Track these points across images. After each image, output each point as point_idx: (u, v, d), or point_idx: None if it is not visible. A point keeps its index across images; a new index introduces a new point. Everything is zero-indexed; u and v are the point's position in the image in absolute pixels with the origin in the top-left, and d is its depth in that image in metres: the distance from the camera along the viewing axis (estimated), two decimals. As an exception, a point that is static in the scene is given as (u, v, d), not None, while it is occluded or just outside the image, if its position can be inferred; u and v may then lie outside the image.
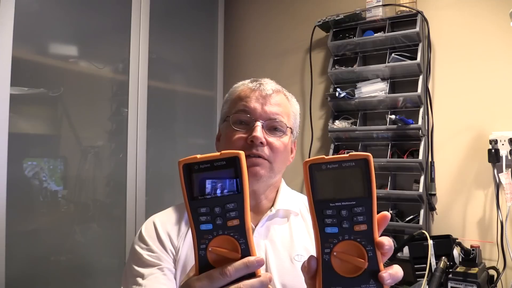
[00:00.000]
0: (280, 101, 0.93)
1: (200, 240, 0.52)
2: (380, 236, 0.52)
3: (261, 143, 0.87)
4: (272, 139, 0.90)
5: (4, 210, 1.42)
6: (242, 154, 0.51)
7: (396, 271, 0.51)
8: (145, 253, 0.86)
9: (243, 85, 0.97)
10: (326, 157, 0.51)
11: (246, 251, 0.51)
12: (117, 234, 1.86)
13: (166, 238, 0.88)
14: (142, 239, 0.89)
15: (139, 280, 0.82)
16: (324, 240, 0.51)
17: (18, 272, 1.50)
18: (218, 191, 0.51)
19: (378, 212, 0.52)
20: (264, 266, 0.86)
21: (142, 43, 1.94)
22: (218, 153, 0.51)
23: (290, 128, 0.94)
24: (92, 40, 1.83)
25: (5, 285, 1.42)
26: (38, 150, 1.66)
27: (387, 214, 0.53)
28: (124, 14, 1.89)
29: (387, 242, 0.51)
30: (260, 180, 0.89)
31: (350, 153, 0.51)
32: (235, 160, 0.51)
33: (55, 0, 1.70)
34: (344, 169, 0.50)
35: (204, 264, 0.52)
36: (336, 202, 0.51)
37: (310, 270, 0.52)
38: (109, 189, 1.90)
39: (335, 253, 0.51)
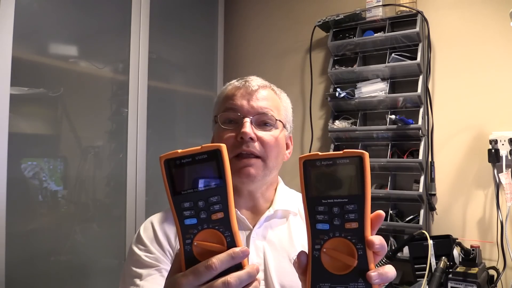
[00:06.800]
0: (268, 96, 0.92)
1: (185, 235, 0.51)
2: (375, 235, 0.51)
3: (251, 138, 0.86)
4: (262, 133, 0.88)
5: (4, 210, 1.42)
6: (223, 146, 0.51)
7: (386, 271, 0.50)
8: (143, 254, 0.86)
9: (229, 85, 0.96)
10: (320, 153, 0.51)
11: (232, 243, 0.51)
12: (117, 234, 1.86)
13: (164, 239, 0.88)
14: (140, 240, 0.89)
15: (137, 281, 0.82)
16: (314, 236, 0.51)
17: (18, 272, 1.50)
18: (201, 185, 0.51)
19: (373, 211, 0.51)
20: (262, 267, 0.86)
21: (142, 43, 1.94)
22: (199, 147, 0.51)
23: (281, 121, 0.92)
24: (92, 40, 1.83)
25: (5, 285, 1.42)
26: (38, 150, 1.66)
27: (381, 213, 0.51)
28: (124, 14, 1.89)
29: (378, 241, 0.49)
30: (254, 181, 0.88)
31: (345, 150, 0.50)
32: (216, 153, 0.50)
33: (55, 0, 1.70)
34: (338, 166, 0.50)
35: (190, 259, 0.51)
36: (329, 199, 0.50)
37: (300, 265, 0.52)
38: (109, 189, 1.90)
39: (325, 250, 0.51)
